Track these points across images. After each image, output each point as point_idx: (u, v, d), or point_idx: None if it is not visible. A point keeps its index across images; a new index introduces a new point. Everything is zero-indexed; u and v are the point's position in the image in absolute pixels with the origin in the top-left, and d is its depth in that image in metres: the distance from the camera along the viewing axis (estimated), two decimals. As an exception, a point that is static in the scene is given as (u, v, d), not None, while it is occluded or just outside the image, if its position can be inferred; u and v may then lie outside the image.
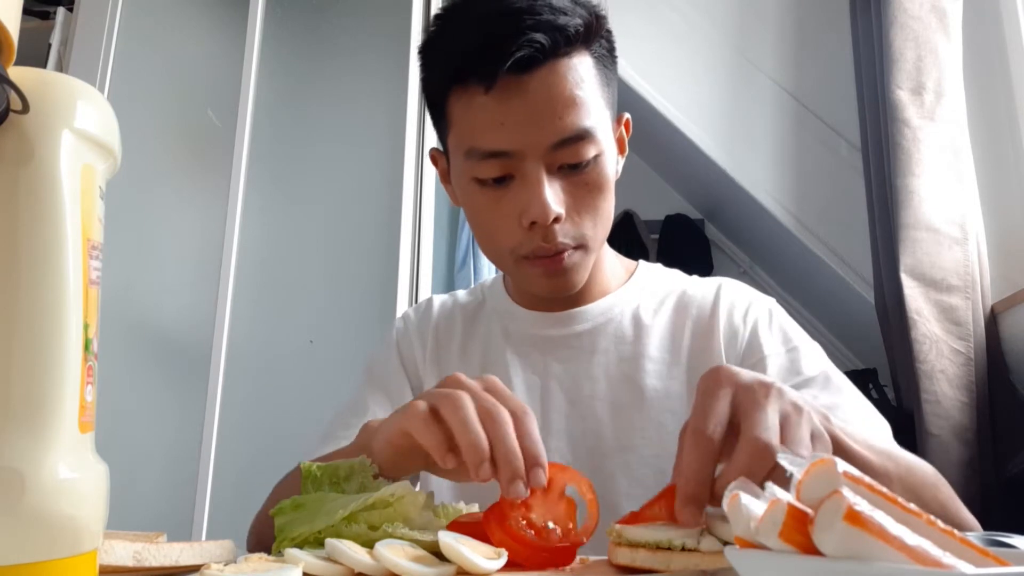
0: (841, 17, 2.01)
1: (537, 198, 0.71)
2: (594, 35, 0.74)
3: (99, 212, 0.40)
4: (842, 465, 0.32)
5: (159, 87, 2.02)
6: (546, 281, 0.78)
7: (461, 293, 0.97)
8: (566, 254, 0.75)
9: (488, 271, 1.99)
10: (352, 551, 0.45)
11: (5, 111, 0.36)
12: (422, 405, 0.56)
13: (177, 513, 1.70)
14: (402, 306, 1.75)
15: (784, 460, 0.35)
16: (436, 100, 0.77)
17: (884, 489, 0.31)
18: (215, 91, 2.00)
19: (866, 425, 0.74)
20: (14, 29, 0.36)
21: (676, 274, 0.92)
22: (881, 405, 1.95)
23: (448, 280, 2.05)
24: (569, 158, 0.72)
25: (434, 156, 0.86)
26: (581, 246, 0.76)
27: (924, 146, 1.59)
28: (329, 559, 0.45)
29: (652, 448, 0.78)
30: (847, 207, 1.99)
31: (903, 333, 1.54)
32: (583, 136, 0.72)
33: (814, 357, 0.80)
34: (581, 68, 0.72)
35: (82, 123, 0.39)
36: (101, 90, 1.87)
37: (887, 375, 1.88)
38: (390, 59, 1.94)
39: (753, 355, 0.80)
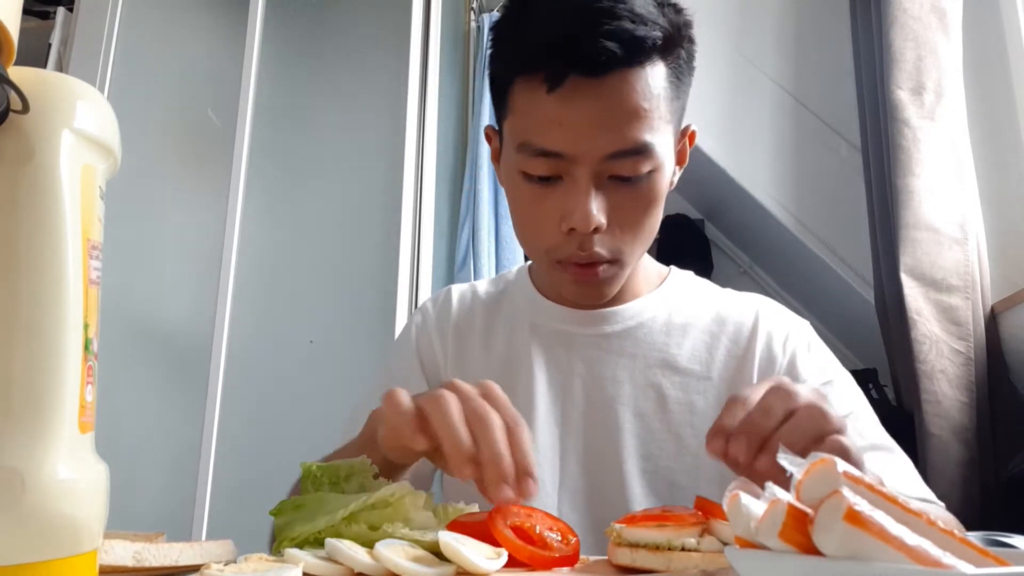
0: (841, 17, 2.01)
1: (581, 206, 0.70)
2: (673, 46, 0.71)
3: (99, 212, 0.40)
4: (842, 465, 0.32)
5: (159, 87, 2.02)
6: (575, 288, 0.77)
7: (481, 284, 0.95)
8: (601, 268, 0.74)
9: (488, 272, 1.99)
10: (352, 551, 0.45)
11: (5, 111, 0.36)
12: (408, 405, 0.56)
13: (177, 513, 1.70)
14: (402, 306, 1.75)
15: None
16: (500, 83, 0.75)
17: (884, 489, 0.31)
18: (215, 91, 2.00)
19: (892, 465, 0.75)
20: (14, 29, 0.36)
21: (708, 285, 0.91)
22: (881, 405, 1.95)
23: (448, 280, 2.05)
24: (622, 170, 0.70)
25: (488, 134, 0.84)
26: (617, 260, 0.74)
27: (924, 146, 1.59)
28: (329, 559, 0.45)
29: (668, 459, 0.77)
30: (847, 207, 1.98)
31: (903, 333, 1.54)
32: (640, 151, 0.69)
33: (848, 391, 0.80)
34: (652, 79, 0.69)
35: (82, 123, 0.39)
36: (101, 90, 1.87)
37: (887, 375, 1.88)
38: (390, 59, 1.94)
39: None
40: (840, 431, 0.53)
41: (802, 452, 0.41)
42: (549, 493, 0.79)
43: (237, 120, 1.90)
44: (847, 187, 1.99)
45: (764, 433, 0.53)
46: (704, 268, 2.66)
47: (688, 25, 0.73)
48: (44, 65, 2.05)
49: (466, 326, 0.89)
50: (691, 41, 0.74)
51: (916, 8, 1.65)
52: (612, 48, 0.66)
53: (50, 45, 2.07)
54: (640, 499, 0.77)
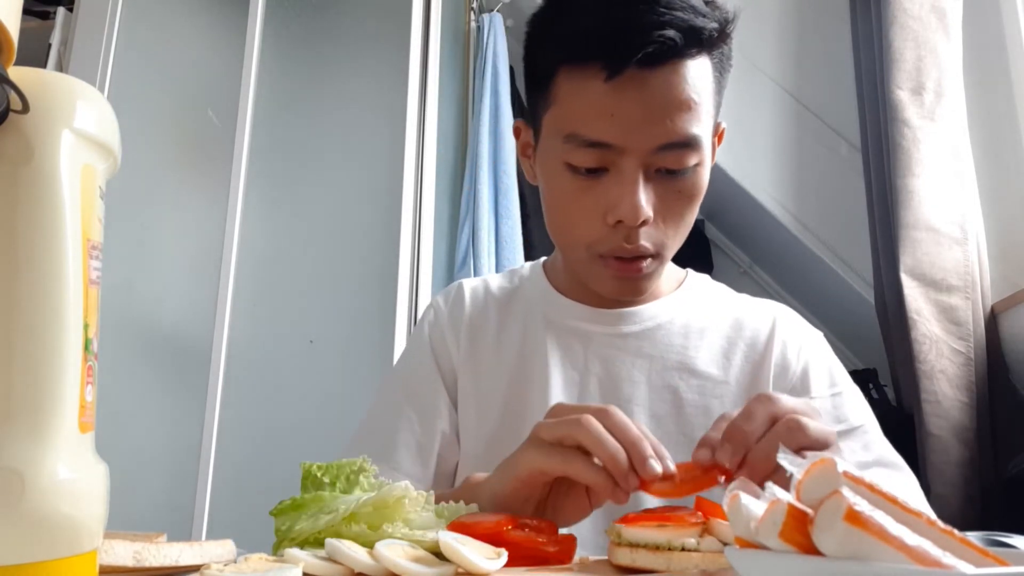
0: (841, 17, 2.01)
1: (630, 197, 0.69)
2: (720, 41, 0.72)
3: (99, 212, 0.40)
4: (842, 465, 0.32)
5: (159, 87, 2.02)
6: (616, 284, 0.76)
7: (493, 279, 0.94)
8: (644, 263, 0.74)
9: (488, 271, 1.98)
10: (352, 551, 0.45)
11: (5, 111, 0.36)
12: (547, 436, 0.57)
13: (177, 513, 1.70)
14: (402, 306, 1.75)
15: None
16: (540, 74, 0.74)
17: (884, 489, 0.31)
18: (215, 91, 2.00)
19: (897, 482, 0.75)
20: (14, 29, 0.36)
21: (725, 289, 0.91)
22: (881, 405, 1.95)
23: (448, 280, 2.05)
24: (670, 163, 0.70)
25: (518, 128, 0.83)
26: (659, 254, 0.74)
27: (924, 146, 1.59)
28: (329, 559, 0.45)
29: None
30: (847, 207, 1.98)
31: (903, 333, 1.54)
32: (689, 143, 0.69)
33: (856, 402, 0.80)
34: (701, 72, 0.70)
35: (82, 123, 0.39)
36: (101, 90, 1.87)
37: (887, 375, 1.88)
38: (390, 59, 1.94)
39: (800, 394, 0.79)
40: (824, 439, 0.54)
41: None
42: None
43: (237, 120, 1.90)
44: (847, 187, 1.99)
45: (748, 439, 0.54)
46: (704, 268, 2.65)
47: (731, 21, 0.73)
48: (44, 65, 2.05)
49: (480, 322, 0.88)
50: (731, 38, 0.74)
51: (916, 8, 1.65)
52: (672, 36, 0.66)
53: (50, 45, 2.06)
54: (653, 501, 0.77)
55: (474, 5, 2.41)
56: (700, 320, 0.84)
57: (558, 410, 0.59)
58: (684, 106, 0.68)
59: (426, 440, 0.82)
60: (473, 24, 2.39)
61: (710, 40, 0.69)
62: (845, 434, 0.76)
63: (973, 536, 0.38)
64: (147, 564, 0.47)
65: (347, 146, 1.94)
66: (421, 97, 1.92)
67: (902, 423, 1.60)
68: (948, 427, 1.45)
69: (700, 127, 0.70)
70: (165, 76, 2.03)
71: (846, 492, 0.29)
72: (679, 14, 0.67)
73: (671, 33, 0.66)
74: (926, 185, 1.57)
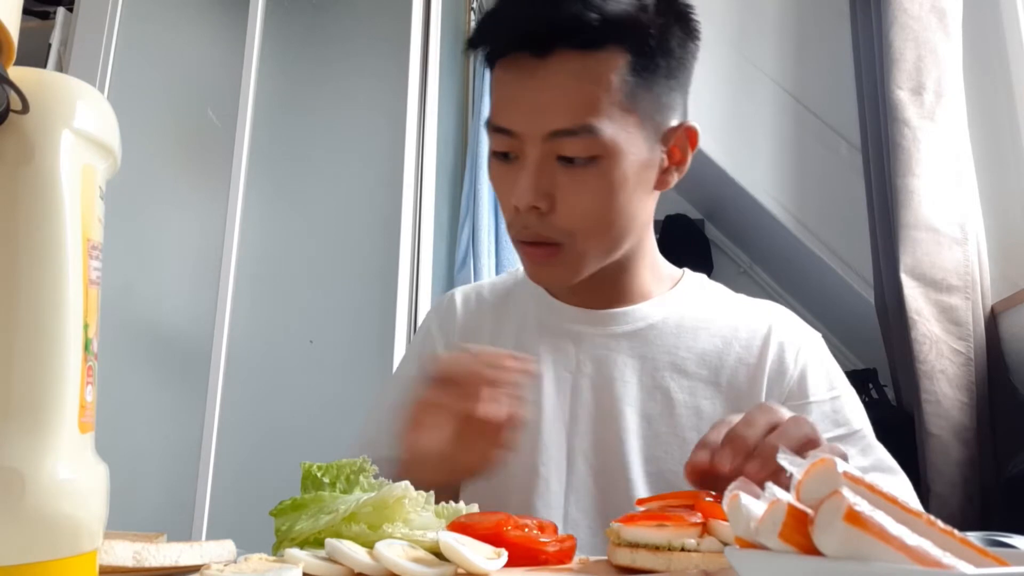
0: (841, 17, 2.01)
1: (518, 182, 0.72)
2: (637, 37, 0.71)
3: (99, 212, 0.40)
4: (842, 465, 0.32)
5: (159, 87, 2.01)
6: (531, 269, 0.78)
7: (486, 284, 0.95)
8: (548, 249, 0.75)
9: (488, 271, 1.98)
10: (352, 551, 0.45)
11: (5, 111, 0.36)
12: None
13: (177, 513, 1.70)
14: (402, 306, 1.75)
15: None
16: (490, 69, 0.79)
17: (884, 489, 0.31)
18: (215, 91, 2.00)
19: (893, 487, 0.75)
20: (14, 29, 0.36)
21: (722, 289, 0.90)
22: (881, 405, 1.95)
23: (448, 280, 2.05)
24: (565, 151, 0.71)
25: None
26: (566, 244, 0.74)
27: (924, 146, 1.59)
28: (329, 559, 0.45)
29: (673, 463, 0.77)
30: (847, 207, 1.98)
31: (903, 333, 1.54)
32: (580, 132, 0.70)
33: (854, 406, 0.80)
34: (605, 65, 0.70)
35: (82, 123, 0.39)
36: (101, 90, 1.87)
37: (887, 375, 1.88)
38: (390, 59, 1.94)
39: (798, 398, 0.79)
40: (820, 444, 0.55)
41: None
42: (556, 493, 0.79)
43: (237, 120, 1.90)
44: (847, 187, 1.99)
45: (748, 444, 0.55)
46: (704, 268, 2.65)
47: (670, 15, 0.74)
48: (44, 65, 2.05)
49: (473, 328, 0.89)
50: (669, 36, 0.73)
51: (916, 8, 1.65)
52: (557, 28, 0.69)
53: (50, 45, 2.06)
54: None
55: (474, 5, 2.41)
56: (693, 320, 0.84)
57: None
58: (577, 95, 0.69)
59: None
60: (473, 24, 2.39)
61: (607, 34, 0.69)
62: (844, 438, 0.76)
63: (973, 536, 0.38)
64: (147, 564, 0.47)
65: (347, 146, 1.94)
66: (421, 97, 1.92)
67: (902, 423, 1.60)
68: (948, 427, 1.45)
69: (600, 119, 0.70)
70: (165, 76, 2.03)
71: (846, 492, 0.29)
72: (571, 7, 0.69)
73: (559, 24, 0.69)
74: (926, 185, 1.57)
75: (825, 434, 0.73)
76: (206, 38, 2.10)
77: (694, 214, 2.81)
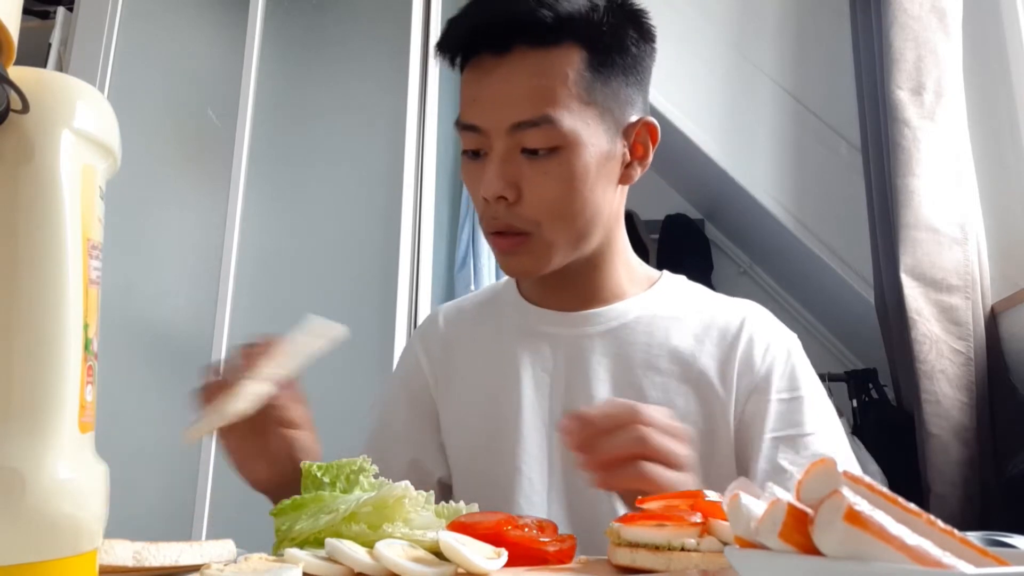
0: (841, 17, 2.01)
1: (486, 173, 0.75)
2: (591, 33, 0.75)
3: (99, 212, 0.40)
4: (842, 465, 0.32)
5: (159, 87, 2.01)
6: (502, 260, 0.81)
7: (468, 298, 0.99)
8: (517, 239, 0.77)
9: (488, 271, 1.99)
10: (352, 551, 0.45)
11: (5, 111, 0.36)
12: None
13: (177, 513, 1.70)
14: (402, 306, 1.75)
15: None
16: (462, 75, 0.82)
17: (884, 489, 0.31)
18: (215, 91, 2.00)
19: None
20: (14, 29, 0.36)
21: (700, 290, 0.91)
22: (881, 405, 1.95)
23: (448, 280, 2.05)
24: (527, 143, 0.74)
25: None
26: (533, 233, 0.77)
27: (924, 146, 1.59)
28: (329, 559, 0.45)
29: None
30: (847, 207, 1.98)
31: (903, 333, 1.54)
32: (540, 123, 0.73)
33: (815, 410, 0.79)
34: (561, 60, 0.74)
35: (82, 123, 0.39)
36: (101, 90, 1.87)
37: (887, 375, 1.88)
38: (390, 59, 1.94)
39: (762, 393, 0.79)
40: (668, 455, 0.60)
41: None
42: (539, 492, 0.80)
43: (237, 120, 1.90)
44: (847, 187, 1.99)
45: (595, 430, 0.61)
46: (704, 268, 2.66)
47: (622, 16, 0.78)
48: (44, 65, 2.05)
49: (454, 340, 0.92)
50: (623, 35, 0.78)
51: (916, 8, 1.65)
52: (513, 26, 0.74)
53: (50, 45, 2.06)
54: (622, 502, 0.77)
55: (474, 5, 2.41)
56: (666, 318, 0.85)
57: None
58: (535, 88, 0.74)
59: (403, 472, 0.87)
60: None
61: (560, 30, 0.74)
62: (793, 439, 0.76)
63: (973, 536, 0.37)
64: (147, 564, 0.47)
65: (347, 146, 1.94)
66: (421, 97, 1.92)
67: (902, 423, 1.60)
68: (948, 427, 1.45)
69: (558, 111, 0.73)
70: (165, 76, 2.03)
71: (846, 492, 0.29)
72: (524, 5, 0.74)
73: (514, 22, 0.74)
74: (926, 185, 1.57)
75: (776, 432, 0.76)
76: (206, 38, 2.10)
77: (694, 214, 2.81)
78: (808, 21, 2.15)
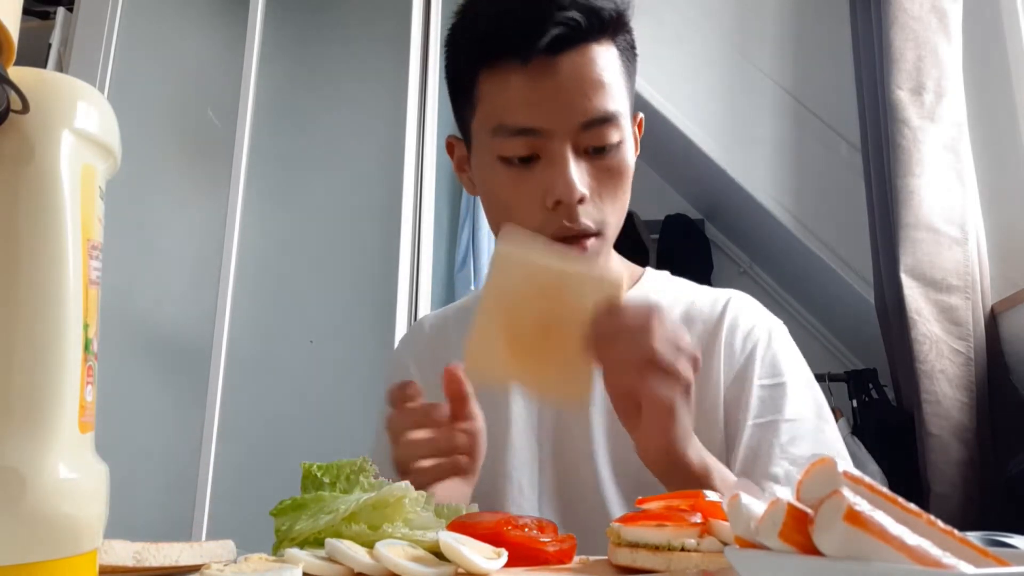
0: (841, 17, 2.01)
1: (563, 176, 0.72)
2: (620, 28, 0.76)
3: (99, 212, 0.40)
4: (842, 465, 0.32)
5: (159, 87, 2.02)
6: None
7: (452, 307, 0.99)
8: (589, 241, 0.75)
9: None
10: (352, 551, 0.45)
11: (5, 111, 0.36)
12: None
13: (177, 513, 1.70)
14: (402, 306, 1.75)
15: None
16: (463, 83, 0.78)
17: (884, 489, 0.31)
18: (215, 91, 2.00)
19: None
20: (14, 29, 0.36)
21: (684, 283, 0.91)
22: (881, 405, 1.95)
23: (448, 280, 2.05)
24: (595, 140, 0.73)
25: (450, 143, 0.86)
26: (601, 233, 0.76)
27: (924, 146, 1.59)
28: (329, 559, 0.45)
29: (639, 459, 0.77)
30: (847, 207, 1.99)
31: (903, 333, 1.54)
32: (609, 119, 0.73)
33: (798, 396, 0.78)
34: (608, 56, 0.74)
35: (82, 123, 0.39)
36: (101, 90, 1.87)
37: (887, 375, 1.88)
38: (390, 59, 1.94)
39: (742, 380, 0.79)
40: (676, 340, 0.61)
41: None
42: (528, 497, 0.79)
43: (237, 120, 1.90)
44: (847, 187, 1.99)
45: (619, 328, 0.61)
46: (704, 268, 2.66)
47: (627, 9, 0.78)
48: (44, 65, 2.05)
49: (440, 346, 0.91)
50: (631, 29, 0.79)
51: (916, 8, 1.65)
52: (575, 19, 0.71)
53: (50, 45, 2.06)
54: (615, 499, 0.76)
55: (474, 5, 2.41)
56: None
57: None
58: (597, 84, 0.73)
59: None
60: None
61: (612, 24, 0.74)
62: (776, 424, 0.75)
63: (973, 536, 0.38)
64: (147, 564, 0.47)
65: (347, 146, 1.94)
66: (421, 97, 1.92)
67: (902, 423, 1.60)
68: (948, 427, 1.45)
69: (617, 104, 0.74)
70: (165, 76, 2.03)
71: (846, 492, 0.29)
72: (572, 2, 0.72)
73: (573, 14, 0.71)
74: (926, 185, 1.57)
75: (758, 419, 0.75)
76: (206, 38, 2.10)
77: (694, 214, 2.81)
78: (808, 21, 2.15)
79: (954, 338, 1.50)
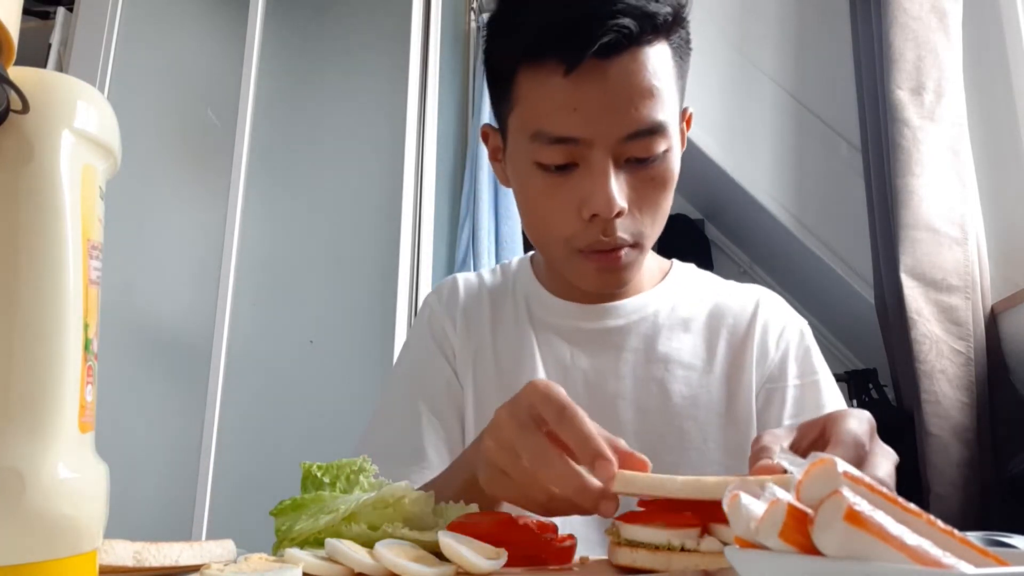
0: (841, 17, 2.01)
1: (602, 190, 0.68)
2: (676, 25, 0.72)
3: (99, 212, 0.40)
4: (842, 465, 0.32)
5: (159, 87, 2.01)
6: (597, 276, 0.75)
7: (485, 272, 0.94)
8: (623, 252, 0.73)
9: (488, 271, 1.98)
10: (352, 551, 0.45)
11: (5, 111, 0.36)
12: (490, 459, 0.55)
13: (177, 513, 1.70)
14: (402, 306, 1.75)
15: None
16: (502, 74, 0.74)
17: (884, 489, 0.31)
18: (215, 91, 2.00)
19: None
20: (14, 29, 0.36)
21: (710, 277, 0.91)
22: (881, 405, 1.95)
23: (448, 280, 2.05)
24: (639, 151, 0.69)
25: (485, 132, 0.83)
26: (637, 244, 0.74)
27: (924, 146, 1.59)
28: (329, 559, 0.45)
29: (671, 455, 0.76)
30: (847, 207, 1.99)
31: (903, 333, 1.54)
32: (656, 130, 0.69)
33: (830, 390, 0.80)
34: (661, 58, 0.70)
35: (82, 123, 0.39)
36: (101, 90, 1.87)
37: (887, 375, 1.88)
38: (390, 59, 1.94)
39: (777, 380, 0.79)
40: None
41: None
42: None
43: (237, 120, 1.90)
44: (847, 187, 1.99)
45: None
46: (704, 268, 2.66)
47: (684, 5, 0.74)
48: (44, 65, 2.05)
49: (475, 314, 0.88)
50: (687, 21, 0.75)
51: (916, 8, 1.65)
52: (628, 25, 0.66)
53: (50, 45, 2.06)
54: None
55: (474, 5, 2.41)
56: (684, 311, 0.84)
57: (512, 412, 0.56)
58: (647, 93, 0.68)
59: (448, 435, 0.83)
60: (473, 24, 2.39)
61: (666, 25, 0.69)
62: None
63: (973, 536, 0.38)
64: (147, 564, 0.47)
65: (347, 146, 1.94)
66: (421, 97, 1.92)
67: (902, 423, 1.60)
68: (948, 427, 1.45)
69: (665, 113, 0.69)
70: (165, 76, 2.03)
71: (846, 492, 0.29)
72: (631, 2, 0.67)
73: (626, 21, 0.66)
74: (926, 185, 1.57)
75: (799, 417, 0.75)
76: (206, 38, 2.10)
77: (694, 214, 2.81)
78: (808, 21, 2.15)
79: (954, 338, 1.50)
